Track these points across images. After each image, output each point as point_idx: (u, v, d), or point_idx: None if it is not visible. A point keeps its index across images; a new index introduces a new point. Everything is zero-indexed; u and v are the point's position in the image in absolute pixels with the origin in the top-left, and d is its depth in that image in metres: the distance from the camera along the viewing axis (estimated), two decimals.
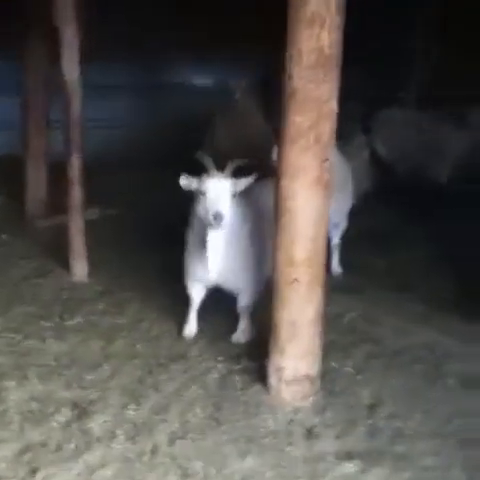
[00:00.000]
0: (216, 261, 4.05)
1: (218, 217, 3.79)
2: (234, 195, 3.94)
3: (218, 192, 3.88)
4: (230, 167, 4.00)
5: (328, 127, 3.35)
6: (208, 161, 4.01)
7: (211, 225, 3.87)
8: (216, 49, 8.48)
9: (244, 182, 4.00)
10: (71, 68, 4.95)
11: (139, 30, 8.24)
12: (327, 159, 3.37)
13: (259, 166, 6.38)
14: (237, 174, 4.04)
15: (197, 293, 4.40)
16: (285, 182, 3.42)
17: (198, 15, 8.34)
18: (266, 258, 4.28)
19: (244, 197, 4.10)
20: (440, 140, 6.78)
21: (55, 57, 5.02)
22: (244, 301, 4.34)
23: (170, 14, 8.28)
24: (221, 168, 4.00)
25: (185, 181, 3.97)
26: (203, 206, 3.91)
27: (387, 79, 8.42)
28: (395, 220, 6.74)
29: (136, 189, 7.33)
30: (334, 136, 3.41)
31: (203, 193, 3.90)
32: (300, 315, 3.54)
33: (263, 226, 4.25)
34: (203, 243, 4.04)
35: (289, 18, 3.26)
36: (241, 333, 4.37)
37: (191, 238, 4.25)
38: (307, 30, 3.21)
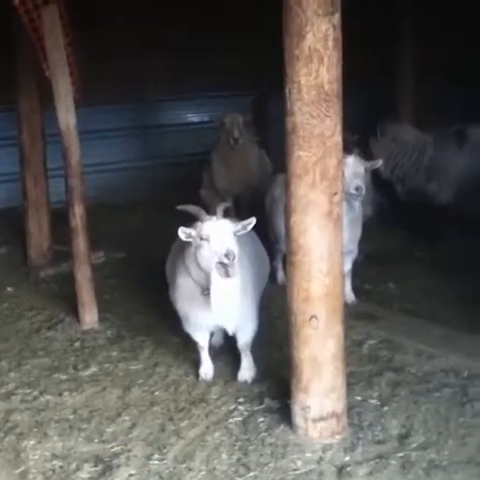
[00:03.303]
0: (225, 308, 3.87)
1: (230, 254, 3.60)
2: (235, 235, 3.78)
3: (221, 233, 3.72)
4: (220, 210, 3.90)
5: (334, 161, 3.32)
6: (195, 209, 3.90)
7: (222, 270, 3.65)
8: (208, 87, 8.52)
9: (244, 224, 3.86)
10: (67, 118, 4.94)
11: (129, 71, 8.27)
12: (336, 193, 3.34)
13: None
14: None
15: (202, 338, 4.32)
16: (295, 218, 3.38)
17: (189, 53, 8.39)
18: (256, 290, 4.22)
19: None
20: (439, 159, 6.73)
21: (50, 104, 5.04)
22: (245, 338, 4.26)
23: (161, 54, 8.33)
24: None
25: (184, 233, 3.81)
26: (208, 250, 3.71)
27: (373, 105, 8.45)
28: (401, 243, 6.68)
29: (139, 230, 7.29)
30: (341, 169, 3.39)
31: (205, 238, 3.73)
32: (321, 352, 3.47)
33: (252, 259, 4.19)
34: (205, 289, 3.88)
35: (286, 53, 3.26)
36: (246, 371, 4.29)
37: (185, 284, 4.05)
38: (305, 66, 3.20)
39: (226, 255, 3.62)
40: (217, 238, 3.71)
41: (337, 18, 3.21)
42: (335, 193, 3.35)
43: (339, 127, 3.32)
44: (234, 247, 3.68)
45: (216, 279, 3.73)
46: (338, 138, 3.33)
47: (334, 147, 3.32)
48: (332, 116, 3.27)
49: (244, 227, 3.87)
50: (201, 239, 3.75)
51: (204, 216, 3.86)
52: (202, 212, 3.89)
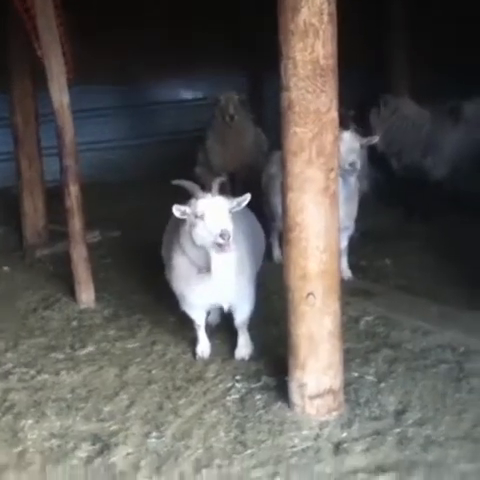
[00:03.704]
0: (224, 284, 3.90)
1: (225, 235, 3.58)
2: (230, 212, 3.76)
3: (216, 211, 3.70)
4: (216, 185, 3.86)
5: (330, 137, 3.29)
6: (190, 185, 3.87)
7: (218, 247, 3.65)
8: (203, 64, 8.45)
9: (239, 200, 3.83)
10: (60, 99, 4.91)
11: (123, 49, 8.19)
12: (332, 169, 3.32)
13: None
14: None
15: (199, 316, 4.32)
16: (292, 195, 3.36)
17: (183, 31, 8.31)
18: (252, 268, 4.21)
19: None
20: (435, 135, 6.71)
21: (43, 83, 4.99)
22: (242, 316, 4.26)
23: (154, 33, 8.25)
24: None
25: (179, 211, 3.79)
26: (203, 229, 3.70)
27: (369, 79, 8.42)
28: (395, 219, 6.67)
29: (134, 209, 7.28)
30: (337, 145, 3.37)
31: (200, 216, 3.71)
32: (318, 329, 3.46)
33: (248, 237, 4.18)
34: (202, 268, 3.89)
35: (281, 28, 3.21)
36: (243, 348, 4.29)
37: (181, 263, 4.04)
38: (301, 40, 3.16)
39: (221, 235, 3.60)
40: (212, 216, 3.68)
41: None
42: (331, 169, 3.32)
43: (335, 102, 3.29)
44: (229, 225, 3.65)
45: (214, 255, 3.74)
46: (334, 114, 3.30)
47: (330, 123, 3.29)
48: (328, 91, 3.24)
49: (239, 204, 3.85)
50: (196, 217, 3.73)
51: (199, 193, 3.82)
52: (196, 188, 3.86)
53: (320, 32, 3.16)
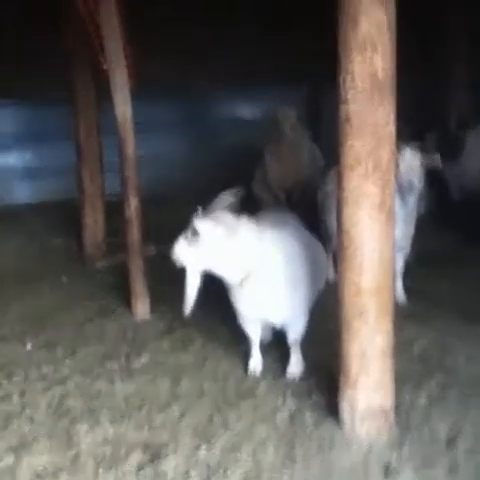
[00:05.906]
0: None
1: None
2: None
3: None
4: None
5: (387, 152, 3.30)
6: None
7: None
8: (262, 80, 8.53)
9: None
10: (123, 111, 5.02)
11: (184, 64, 8.34)
12: (388, 184, 3.32)
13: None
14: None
15: (253, 331, 4.38)
16: (347, 210, 3.37)
17: (243, 47, 8.42)
18: (309, 288, 4.26)
19: (280, 236, 4.12)
20: None
21: (106, 97, 5.12)
22: (294, 334, 4.31)
23: (214, 47, 8.38)
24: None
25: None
26: None
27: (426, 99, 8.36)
28: (452, 242, 6.59)
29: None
30: (394, 160, 3.37)
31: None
32: (370, 346, 3.46)
33: (305, 257, 4.22)
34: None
35: (340, 42, 3.25)
36: (295, 367, 4.32)
37: None
38: (359, 54, 3.19)
39: None
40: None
41: (392, 6, 3.20)
42: (388, 184, 3.32)
43: (393, 117, 3.29)
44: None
45: None
46: (392, 128, 3.30)
47: (388, 137, 3.29)
48: (386, 105, 3.25)
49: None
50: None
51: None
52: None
53: (379, 46, 3.19)
